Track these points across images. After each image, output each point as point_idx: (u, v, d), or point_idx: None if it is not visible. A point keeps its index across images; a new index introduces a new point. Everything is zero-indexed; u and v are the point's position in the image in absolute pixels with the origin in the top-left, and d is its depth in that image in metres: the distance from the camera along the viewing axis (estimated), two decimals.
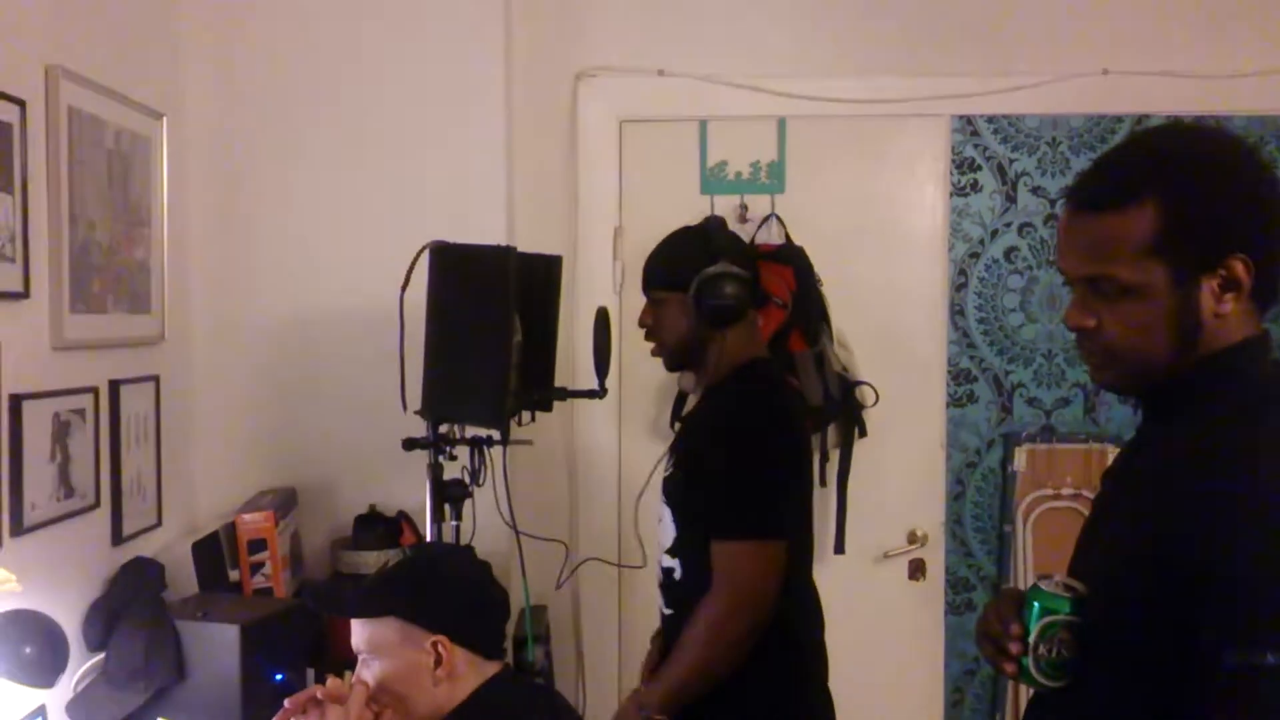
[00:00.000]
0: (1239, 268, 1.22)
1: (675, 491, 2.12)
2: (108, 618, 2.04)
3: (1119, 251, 1.24)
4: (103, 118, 2.13)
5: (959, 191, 2.98)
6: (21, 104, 1.86)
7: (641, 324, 2.20)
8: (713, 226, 2.25)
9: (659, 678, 2.05)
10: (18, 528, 1.83)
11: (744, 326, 2.11)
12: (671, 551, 2.12)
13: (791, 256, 2.82)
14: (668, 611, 2.15)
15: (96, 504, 2.10)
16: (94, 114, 2.10)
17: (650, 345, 2.22)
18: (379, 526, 2.54)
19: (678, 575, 2.11)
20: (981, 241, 2.99)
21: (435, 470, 2.16)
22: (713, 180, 2.95)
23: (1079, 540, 1.44)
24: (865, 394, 2.85)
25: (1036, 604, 1.28)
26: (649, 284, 2.19)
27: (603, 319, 2.24)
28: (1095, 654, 1.26)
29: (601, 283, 2.89)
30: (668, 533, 2.13)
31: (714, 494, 2.02)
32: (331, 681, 1.61)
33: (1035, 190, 2.98)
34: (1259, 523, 1.13)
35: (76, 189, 2.02)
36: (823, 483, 2.88)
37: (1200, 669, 1.13)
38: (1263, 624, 1.10)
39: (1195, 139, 1.31)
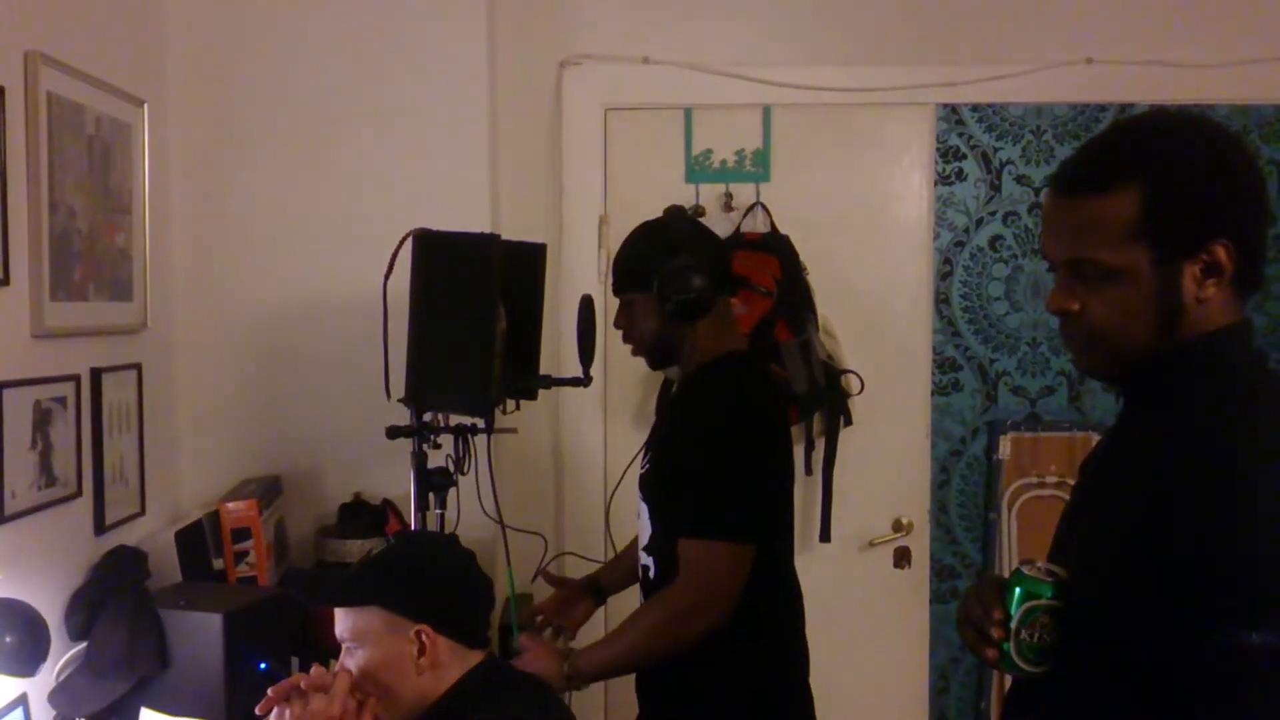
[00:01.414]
0: (1221, 253, 1.22)
1: (651, 489, 2.10)
2: (90, 607, 2.03)
3: (1102, 235, 1.25)
4: (83, 104, 2.11)
5: (944, 180, 2.98)
6: (0, 90, 1.84)
7: (616, 326, 2.17)
8: (671, 219, 2.17)
9: (597, 648, 2.04)
10: None
11: (714, 318, 2.05)
12: (648, 549, 2.11)
13: (777, 245, 2.82)
14: None
15: (78, 492, 2.09)
16: (74, 100, 2.08)
17: (631, 347, 2.20)
18: (364, 515, 2.54)
19: (652, 574, 2.09)
20: (966, 230, 3.00)
21: (419, 459, 2.16)
22: (698, 169, 2.95)
23: (1058, 528, 1.44)
24: (851, 382, 2.86)
25: (1019, 588, 1.29)
26: (616, 287, 2.15)
27: (587, 307, 2.23)
28: (1078, 638, 1.26)
29: (586, 271, 2.89)
30: (645, 530, 2.11)
31: (683, 493, 1.99)
32: (315, 670, 1.61)
33: (1020, 179, 2.99)
34: (1242, 505, 1.13)
35: (56, 175, 2.01)
36: (808, 471, 2.88)
37: (1185, 650, 1.13)
38: (1247, 604, 1.11)
39: (1179, 125, 1.31)
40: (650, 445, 2.17)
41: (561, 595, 2.40)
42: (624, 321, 2.15)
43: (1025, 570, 1.30)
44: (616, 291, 2.16)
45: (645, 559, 2.12)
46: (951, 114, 2.97)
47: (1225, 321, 1.26)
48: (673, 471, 2.04)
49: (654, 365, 2.21)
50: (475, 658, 1.65)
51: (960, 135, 2.98)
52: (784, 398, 2.61)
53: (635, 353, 2.18)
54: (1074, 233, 1.28)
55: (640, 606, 2.08)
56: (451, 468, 2.19)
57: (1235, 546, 1.12)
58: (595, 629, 2.73)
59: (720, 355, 2.07)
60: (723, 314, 2.10)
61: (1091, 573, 1.27)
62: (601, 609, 2.72)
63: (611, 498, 2.41)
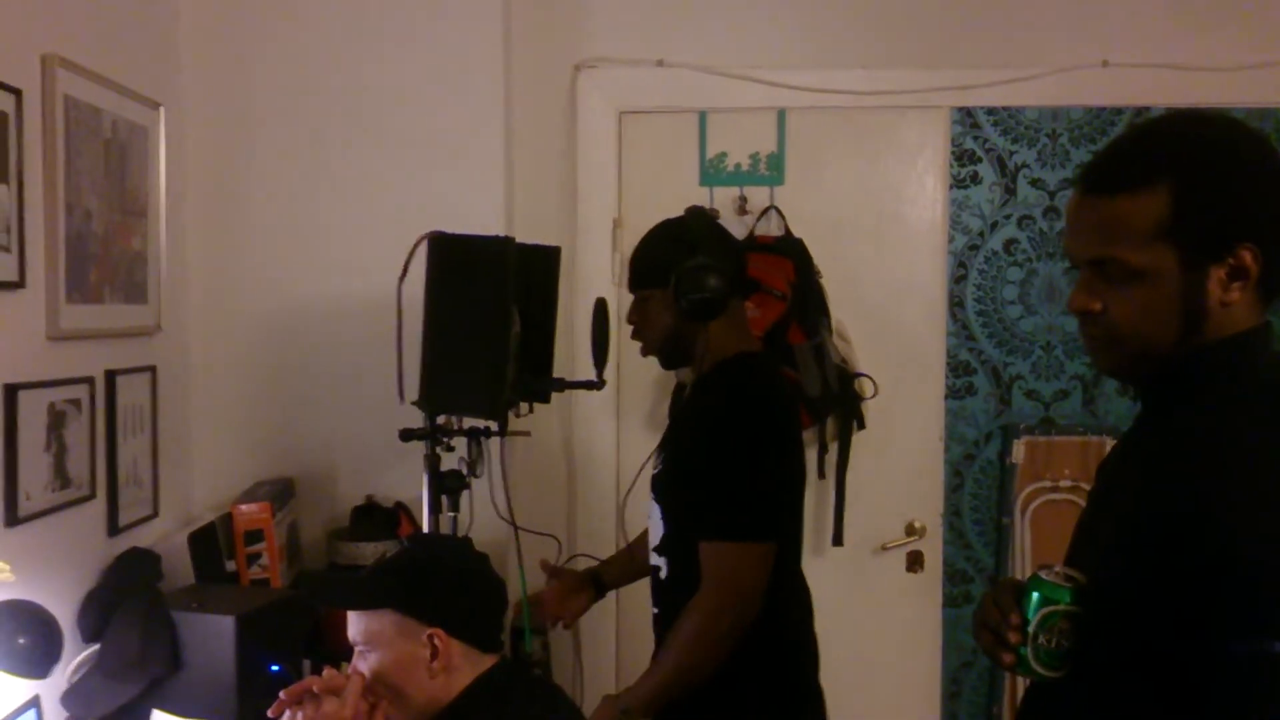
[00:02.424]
0: (1247, 257, 1.21)
1: (663, 490, 2.10)
2: (103, 608, 2.03)
3: (1129, 234, 1.23)
4: (100, 107, 2.12)
5: (959, 184, 2.97)
6: (18, 93, 1.85)
7: (629, 321, 2.17)
8: (691, 218, 2.18)
9: (642, 678, 2.02)
10: (12, 518, 1.83)
11: (728, 318, 2.06)
12: (659, 549, 2.10)
13: (790, 249, 2.81)
14: (655, 610, 2.14)
15: (92, 494, 2.10)
16: (91, 103, 2.09)
17: (641, 346, 2.20)
18: (376, 518, 2.54)
19: (664, 574, 2.09)
20: (981, 234, 2.98)
21: (433, 461, 2.16)
22: (712, 172, 2.94)
23: (1075, 533, 1.43)
24: (864, 386, 2.85)
25: (1037, 594, 1.27)
26: (632, 283, 2.16)
27: (601, 310, 2.23)
28: (1096, 644, 1.25)
29: (600, 274, 2.88)
30: (657, 530, 2.11)
31: (699, 494, 1.98)
32: (328, 673, 1.61)
33: (1035, 182, 2.98)
34: (1263, 512, 1.12)
35: (73, 178, 2.02)
36: (821, 474, 2.87)
37: (1205, 658, 1.13)
38: (1269, 612, 1.10)
39: (1211, 126, 1.29)
40: (663, 446, 2.17)
41: (562, 586, 2.40)
42: (637, 318, 2.15)
43: (1043, 575, 1.29)
44: (632, 288, 2.16)
45: (657, 559, 2.12)
46: (966, 117, 2.96)
47: (1247, 325, 1.25)
48: (685, 472, 2.04)
49: (666, 364, 2.21)
50: (488, 661, 1.65)
51: (975, 138, 2.97)
52: (796, 399, 2.60)
53: (645, 352, 2.18)
54: (1100, 231, 1.26)
55: (673, 626, 2.04)
56: (465, 470, 2.19)
57: (1257, 555, 1.11)
58: (599, 622, 2.74)
59: (733, 356, 2.08)
60: (736, 315, 2.11)
61: (1110, 579, 1.25)
62: (615, 609, 2.72)
63: (624, 500, 2.41)
